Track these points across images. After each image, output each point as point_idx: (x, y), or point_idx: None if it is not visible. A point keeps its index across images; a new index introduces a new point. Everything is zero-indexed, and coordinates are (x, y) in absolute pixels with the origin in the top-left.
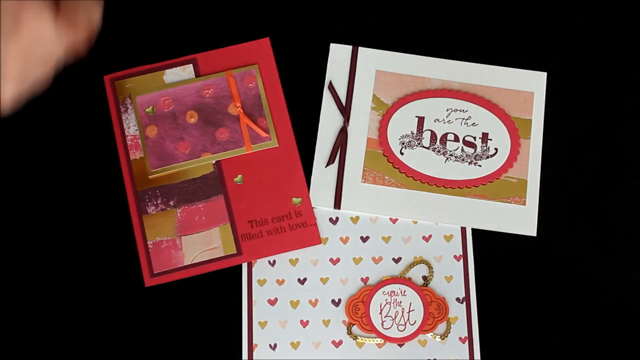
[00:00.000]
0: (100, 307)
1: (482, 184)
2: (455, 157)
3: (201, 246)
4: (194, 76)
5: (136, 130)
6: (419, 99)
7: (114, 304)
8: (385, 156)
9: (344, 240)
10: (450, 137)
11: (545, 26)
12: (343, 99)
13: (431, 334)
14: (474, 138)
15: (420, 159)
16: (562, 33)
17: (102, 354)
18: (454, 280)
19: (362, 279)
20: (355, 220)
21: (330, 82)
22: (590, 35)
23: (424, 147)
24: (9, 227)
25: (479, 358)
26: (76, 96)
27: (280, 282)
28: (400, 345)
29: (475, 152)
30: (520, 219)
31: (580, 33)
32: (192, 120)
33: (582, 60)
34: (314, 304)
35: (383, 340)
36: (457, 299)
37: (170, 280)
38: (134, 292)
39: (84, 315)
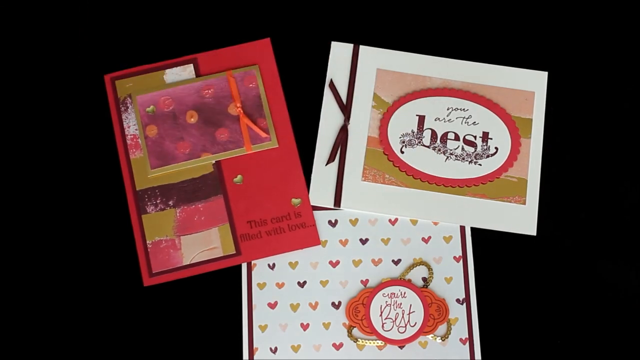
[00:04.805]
0: (99, 306)
1: (482, 183)
2: (456, 156)
3: (200, 246)
4: (194, 76)
5: (136, 129)
6: (419, 98)
7: (113, 303)
8: (386, 154)
9: (344, 243)
10: (451, 136)
11: (546, 26)
12: (344, 97)
13: (432, 335)
14: (475, 137)
15: (420, 158)
16: (563, 33)
17: (100, 353)
18: (454, 281)
19: (362, 281)
20: (354, 222)
21: (331, 81)
22: (590, 35)
23: (424, 145)
24: (9, 227)
25: (480, 359)
26: (76, 95)
27: (280, 285)
28: (401, 347)
29: (475, 151)
30: (520, 218)
31: (580, 33)
32: (192, 120)
33: (582, 60)
34: (314, 306)
35: (383, 342)
36: (457, 300)
37: (169, 280)
38: (133, 292)
39: (83, 314)
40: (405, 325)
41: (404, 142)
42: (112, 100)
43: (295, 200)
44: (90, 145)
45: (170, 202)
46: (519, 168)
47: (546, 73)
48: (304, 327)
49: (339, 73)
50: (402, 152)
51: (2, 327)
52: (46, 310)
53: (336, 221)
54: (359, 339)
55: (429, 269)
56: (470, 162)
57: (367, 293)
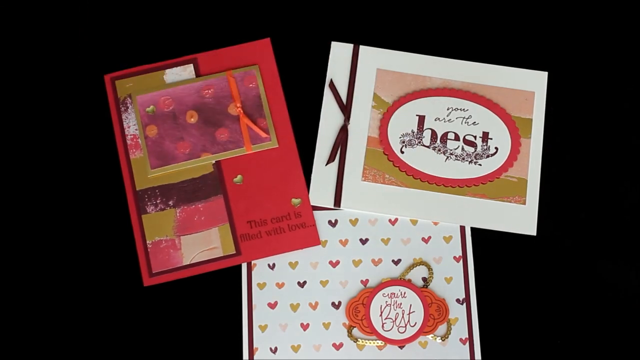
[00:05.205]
0: (99, 306)
1: (482, 183)
2: (456, 156)
3: (200, 246)
4: (195, 76)
5: (136, 129)
6: (419, 98)
7: (113, 303)
8: (386, 154)
9: (344, 243)
10: (451, 136)
11: (546, 26)
12: (344, 97)
13: (432, 335)
14: (475, 137)
15: (420, 158)
16: (563, 33)
17: (100, 353)
18: (454, 281)
19: (362, 281)
20: (354, 222)
21: (331, 81)
22: (590, 35)
23: (424, 145)
24: (9, 227)
25: (480, 359)
26: (76, 95)
27: (280, 286)
28: (401, 347)
29: (475, 151)
30: (520, 218)
31: (580, 33)
32: (192, 120)
33: (582, 60)
34: (314, 306)
35: (383, 342)
36: (457, 300)
37: (168, 280)
38: (133, 292)
39: (83, 314)
40: (405, 325)
41: (404, 142)
42: (112, 100)
43: (295, 200)
44: (90, 145)
45: (170, 202)
46: (519, 168)
47: (546, 73)
48: (304, 327)
49: (339, 73)
50: (402, 152)
51: (2, 327)
52: (46, 310)
53: (336, 221)
54: (359, 339)
55: (429, 269)
56: (470, 162)
57: (367, 293)
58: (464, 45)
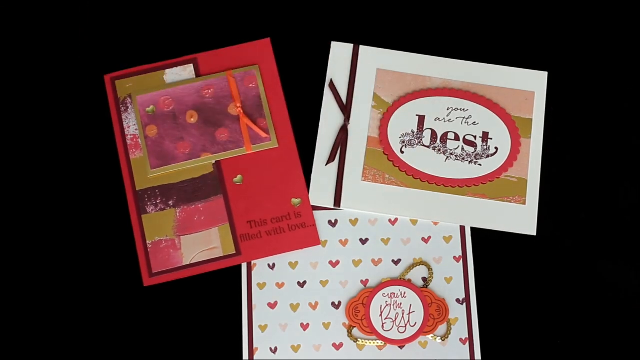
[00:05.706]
0: (99, 306)
1: (482, 183)
2: (456, 156)
3: (200, 246)
4: (195, 76)
5: (136, 129)
6: (419, 98)
7: (113, 303)
8: (386, 154)
9: (344, 243)
10: (451, 136)
11: (546, 26)
12: (344, 97)
13: (432, 335)
14: (475, 137)
15: (420, 158)
16: (563, 33)
17: (100, 353)
18: (454, 281)
19: (362, 281)
20: (354, 222)
21: (331, 81)
22: (590, 35)
23: (424, 145)
24: (9, 227)
25: (480, 359)
26: (76, 95)
27: (280, 285)
28: (401, 347)
29: (475, 151)
30: (520, 218)
31: (580, 33)
32: (192, 120)
33: (582, 60)
34: (314, 306)
35: (383, 342)
36: (457, 300)
37: (168, 280)
38: (133, 292)
39: (83, 314)
40: (405, 325)
41: (404, 142)
42: (112, 100)
43: (295, 200)
44: (90, 145)
45: (170, 202)
46: (519, 168)
47: (546, 73)
48: (304, 327)
49: (339, 73)
50: (402, 152)
51: (2, 327)
52: (46, 310)
53: (336, 221)
54: (359, 339)
55: (429, 269)
56: (470, 162)
57: (367, 293)
58: (464, 45)
